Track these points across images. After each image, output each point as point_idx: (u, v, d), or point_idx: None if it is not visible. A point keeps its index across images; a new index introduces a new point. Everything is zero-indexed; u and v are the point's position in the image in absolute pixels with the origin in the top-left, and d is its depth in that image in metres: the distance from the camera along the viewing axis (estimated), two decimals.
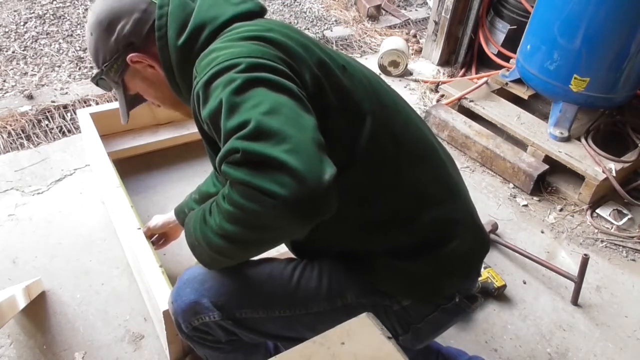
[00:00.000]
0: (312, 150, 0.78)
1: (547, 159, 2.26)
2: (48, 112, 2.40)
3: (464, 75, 2.91)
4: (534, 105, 2.63)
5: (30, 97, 2.48)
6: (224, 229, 0.86)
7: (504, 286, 1.77)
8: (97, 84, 1.20)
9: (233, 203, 0.81)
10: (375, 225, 1.03)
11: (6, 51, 2.76)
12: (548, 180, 2.27)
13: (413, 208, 1.04)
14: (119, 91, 1.18)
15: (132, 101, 1.22)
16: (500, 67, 2.74)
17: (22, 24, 2.97)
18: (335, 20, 3.47)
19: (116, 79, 1.14)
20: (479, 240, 1.16)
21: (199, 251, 0.98)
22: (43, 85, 2.57)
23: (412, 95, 2.83)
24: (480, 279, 1.75)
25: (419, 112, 2.70)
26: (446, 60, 3.04)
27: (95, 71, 1.17)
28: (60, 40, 2.89)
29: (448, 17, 2.84)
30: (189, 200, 1.52)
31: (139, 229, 1.53)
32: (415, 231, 1.04)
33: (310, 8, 3.57)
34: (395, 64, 2.93)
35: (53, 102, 2.47)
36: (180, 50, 1.01)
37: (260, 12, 1.07)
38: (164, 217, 1.58)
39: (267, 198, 0.76)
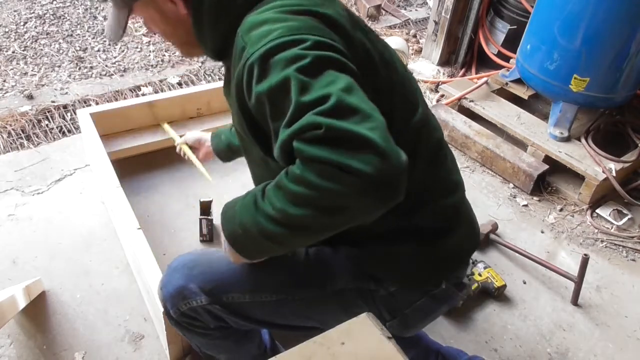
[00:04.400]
0: (387, 132, 0.76)
1: (547, 159, 2.26)
2: (48, 112, 2.40)
3: (464, 75, 2.91)
4: (534, 105, 2.63)
5: (30, 97, 2.48)
6: (287, 214, 0.78)
7: (504, 286, 1.77)
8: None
9: (307, 184, 0.75)
10: None
11: (6, 51, 2.76)
12: (548, 180, 2.27)
13: (418, 200, 1.03)
14: (122, 13, 1.04)
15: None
16: (500, 67, 2.73)
17: (22, 24, 2.97)
18: None
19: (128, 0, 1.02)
20: (472, 233, 1.17)
21: (242, 241, 0.89)
22: (43, 85, 2.57)
23: None
24: (480, 279, 1.75)
25: None
26: (446, 60, 3.03)
27: None
28: (60, 40, 2.89)
29: (448, 17, 2.84)
30: (227, 130, 1.50)
31: (139, 229, 1.53)
32: (416, 220, 1.04)
33: None
34: None
35: (53, 102, 2.47)
36: None
37: None
38: (200, 133, 1.57)
39: (351, 177, 0.72)
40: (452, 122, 2.45)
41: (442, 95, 2.68)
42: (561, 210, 2.17)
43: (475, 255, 1.89)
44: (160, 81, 2.70)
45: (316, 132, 0.73)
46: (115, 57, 2.83)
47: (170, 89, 2.64)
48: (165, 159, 2.13)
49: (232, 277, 1.05)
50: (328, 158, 0.73)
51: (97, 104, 2.48)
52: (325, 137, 0.73)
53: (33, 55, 2.76)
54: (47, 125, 2.34)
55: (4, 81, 2.57)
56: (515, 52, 2.53)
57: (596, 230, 2.09)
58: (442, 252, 1.08)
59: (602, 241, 2.05)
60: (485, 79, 2.60)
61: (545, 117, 2.46)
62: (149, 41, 2.98)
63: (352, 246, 1.06)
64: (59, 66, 2.71)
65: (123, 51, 2.88)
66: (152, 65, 2.80)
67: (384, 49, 1.01)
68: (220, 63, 1.19)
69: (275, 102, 0.80)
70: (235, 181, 2.07)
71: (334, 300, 1.07)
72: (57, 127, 2.33)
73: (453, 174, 1.13)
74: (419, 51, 3.19)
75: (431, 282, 1.10)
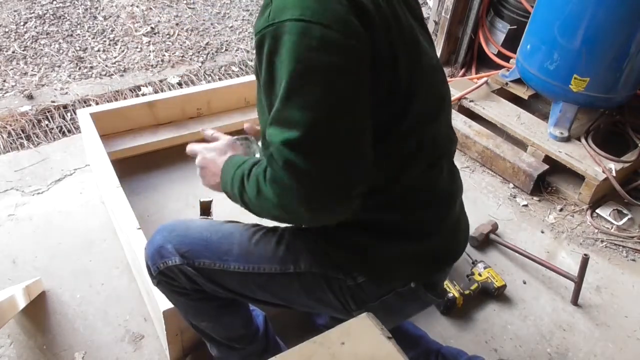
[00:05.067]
0: (341, 171, 0.83)
1: (547, 159, 2.26)
2: (48, 112, 2.40)
3: (464, 75, 2.91)
4: (534, 105, 2.63)
5: (30, 97, 2.48)
6: (260, 203, 0.92)
7: (504, 286, 1.77)
8: None
9: (271, 192, 0.88)
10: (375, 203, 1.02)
11: (6, 51, 2.76)
12: (548, 180, 2.27)
13: (400, 200, 1.03)
14: None
15: None
16: (500, 67, 2.74)
17: (22, 24, 2.97)
18: None
19: None
20: (453, 244, 1.16)
21: (230, 196, 1.03)
22: (43, 85, 2.57)
23: None
24: (480, 279, 1.75)
25: None
26: (446, 60, 3.03)
27: None
28: (60, 40, 2.89)
29: (448, 17, 2.84)
30: None
31: (139, 229, 1.53)
32: (394, 218, 1.04)
33: None
34: None
35: (53, 102, 2.47)
36: None
37: None
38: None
39: (297, 206, 0.85)
40: (452, 122, 2.44)
41: None
42: (561, 210, 2.17)
43: (475, 255, 1.89)
44: (160, 81, 2.70)
45: (277, 160, 0.84)
46: (115, 57, 2.83)
47: (170, 89, 2.64)
48: (165, 159, 2.13)
49: (205, 244, 1.12)
50: (279, 187, 0.85)
51: (97, 104, 2.48)
52: (282, 169, 0.84)
53: (33, 55, 2.76)
54: (47, 125, 2.34)
55: (4, 81, 2.57)
56: (515, 52, 2.53)
57: (596, 230, 2.09)
58: (414, 255, 1.08)
59: (602, 241, 2.05)
60: (485, 79, 2.60)
61: (545, 117, 2.46)
62: (149, 41, 2.98)
63: (324, 232, 1.07)
64: (59, 66, 2.71)
65: (123, 51, 2.89)
66: (152, 65, 2.80)
67: (415, 42, 0.98)
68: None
69: (269, 77, 0.86)
70: None
71: (298, 282, 1.09)
72: (57, 127, 2.33)
73: (447, 185, 1.12)
74: None
75: (398, 281, 1.10)
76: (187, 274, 1.12)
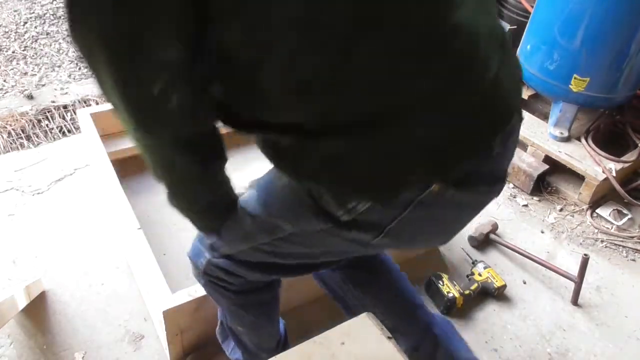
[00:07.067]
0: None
1: (547, 159, 2.26)
2: (48, 112, 2.40)
3: None
4: (534, 105, 2.63)
5: (30, 97, 2.48)
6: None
7: (504, 286, 1.77)
8: None
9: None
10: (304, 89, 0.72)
11: (6, 51, 2.76)
12: (548, 180, 2.27)
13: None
14: None
15: None
16: None
17: (22, 24, 2.97)
18: None
19: None
20: (484, 120, 0.79)
21: (176, 206, 1.08)
22: (43, 85, 2.57)
23: None
24: (480, 279, 1.75)
25: None
26: None
27: None
28: (60, 40, 2.89)
29: None
30: None
31: (139, 229, 1.53)
32: (362, 103, 0.73)
33: None
34: None
35: (53, 102, 2.47)
36: None
37: None
38: None
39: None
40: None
41: None
42: (561, 210, 2.17)
43: (475, 255, 1.89)
44: None
45: None
46: None
47: None
48: None
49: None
50: None
51: (97, 104, 2.48)
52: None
53: (33, 55, 2.76)
54: (47, 125, 2.34)
55: (4, 81, 2.57)
56: (515, 52, 2.53)
57: (596, 230, 2.09)
58: (402, 149, 0.75)
59: (602, 241, 2.05)
60: None
61: (545, 117, 2.46)
62: None
63: (284, 160, 0.86)
64: (59, 66, 2.71)
65: None
66: None
67: None
68: None
69: None
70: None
71: (308, 237, 0.94)
72: (57, 127, 2.33)
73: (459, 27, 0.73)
74: None
75: (403, 191, 0.78)
76: (220, 266, 1.07)
